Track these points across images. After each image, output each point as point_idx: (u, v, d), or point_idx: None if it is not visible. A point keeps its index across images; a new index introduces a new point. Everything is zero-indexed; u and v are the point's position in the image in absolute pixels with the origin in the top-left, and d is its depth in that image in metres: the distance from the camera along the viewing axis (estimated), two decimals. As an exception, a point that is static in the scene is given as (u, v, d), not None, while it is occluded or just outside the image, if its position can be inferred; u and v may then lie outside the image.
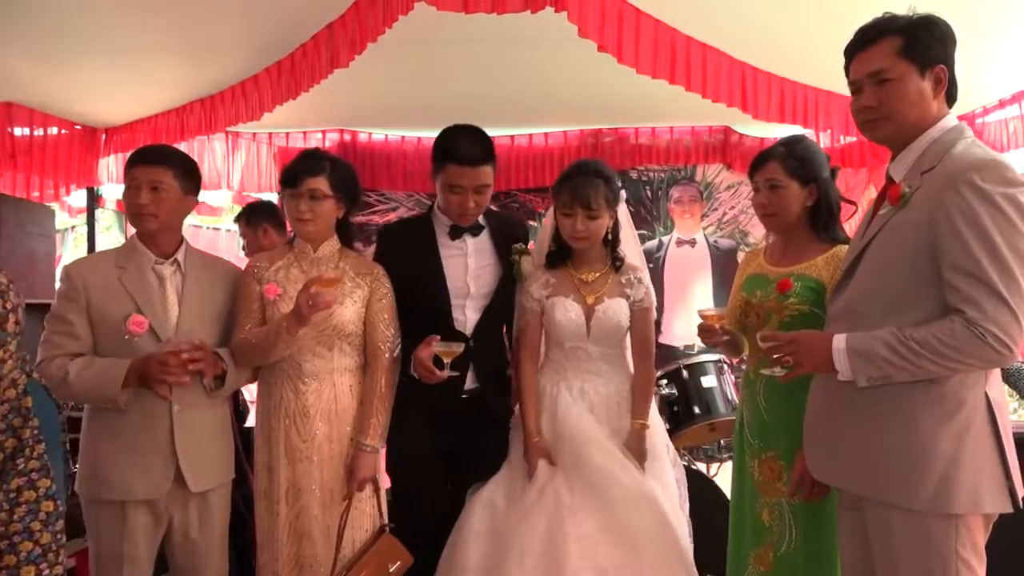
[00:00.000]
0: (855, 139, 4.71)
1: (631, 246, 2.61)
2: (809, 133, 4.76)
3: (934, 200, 1.65)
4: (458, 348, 2.34)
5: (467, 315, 2.51)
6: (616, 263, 2.52)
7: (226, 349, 2.29)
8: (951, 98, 1.77)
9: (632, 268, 2.53)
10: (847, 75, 1.85)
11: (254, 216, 3.85)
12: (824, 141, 4.90)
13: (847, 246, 2.28)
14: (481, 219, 2.56)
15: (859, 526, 1.84)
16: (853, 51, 1.81)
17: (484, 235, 2.56)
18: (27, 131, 4.24)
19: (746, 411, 2.39)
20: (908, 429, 1.69)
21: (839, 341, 1.71)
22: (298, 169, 2.39)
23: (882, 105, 1.75)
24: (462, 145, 2.41)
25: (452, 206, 2.46)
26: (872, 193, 4.97)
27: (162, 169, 2.22)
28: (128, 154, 2.35)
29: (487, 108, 4.71)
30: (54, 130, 4.38)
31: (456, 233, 2.52)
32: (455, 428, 2.49)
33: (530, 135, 5.30)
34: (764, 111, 3.63)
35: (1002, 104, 4.04)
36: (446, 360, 2.35)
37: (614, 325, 2.47)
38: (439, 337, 2.35)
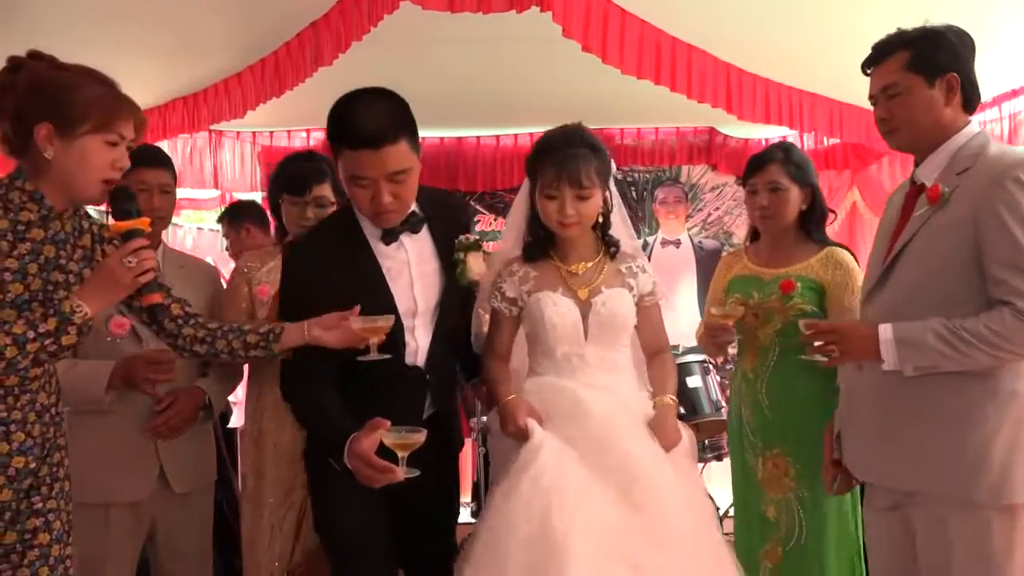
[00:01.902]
0: (839, 141, 4.74)
1: (623, 230, 2.09)
2: (794, 134, 4.81)
3: (977, 198, 1.71)
4: (417, 438, 1.68)
5: (418, 339, 1.91)
6: (611, 250, 2.03)
7: (206, 378, 2.28)
8: (969, 102, 1.83)
9: (630, 256, 2.06)
10: None
11: (237, 216, 3.83)
12: (808, 143, 4.94)
13: (840, 248, 2.39)
14: (415, 207, 1.90)
15: (898, 526, 1.85)
16: (869, 66, 1.90)
17: (424, 231, 1.93)
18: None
19: (745, 410, 2.42)
20: (964, 423, 1.71)
21: (886, 331, 1.74)
22: (305, 176, 2.35)
23: (893, 117, 1.85)
24: (358, 119, 1.72)
25: (362, 204, 1.79)
26: (856, 195, 5.02)
27: (166, 171, 2.27)
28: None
29: (472, 108, 4.72)
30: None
31: (390, 236, 1.86)
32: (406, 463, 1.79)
33: (515, 135, 5.29)
34: (749, 112, 3.65)
35: (982, 107, 4.09)
36: (400, 453, 1.68)
37: (618, 320, 1.97)
38: (388, 423, 1.68)
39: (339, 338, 1.74)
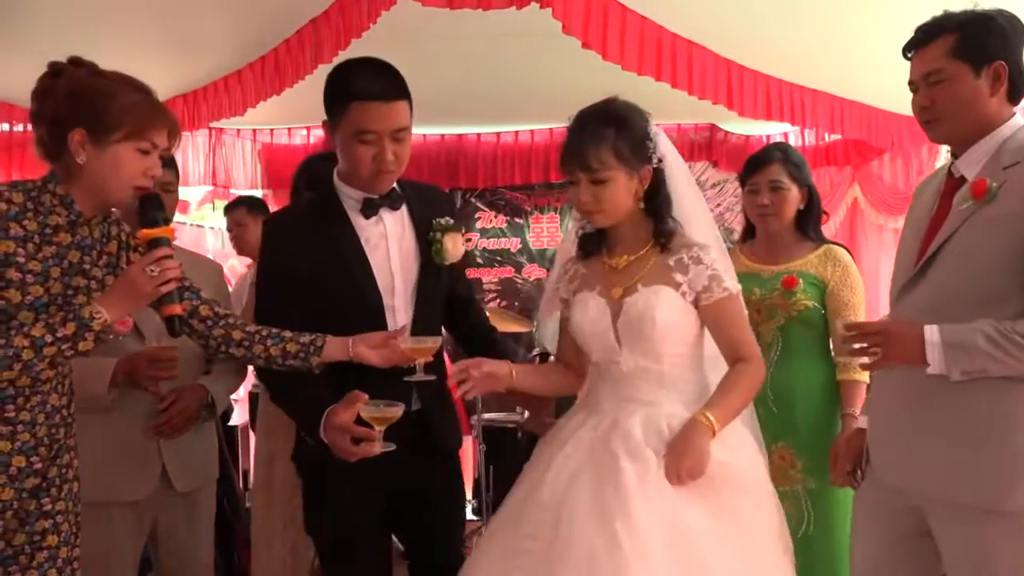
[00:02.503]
0: (840, 137, 4.73)
1: (693, 210, 1.81)
2: (795, 131, 4.81)
3: None
4: (395, 412, 1.68)
5: (397, 319, 1.86)
6: (662, 239, 1.76)
7: (209, 376, 2.28)
8: (1016, 92, 1.74)
9: (688, 244, 1.73)
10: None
11: (256, 208, 3.85)
12: (809, 139, 4.93)
13: (838, 246, 2.40)
14: (396, 187, 1.91)
15: (902, 521, 1.79)
16: (910, 50, 1.80)
17: (403, 210, 1.92)
18: (6, 127, 4.20)
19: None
20: (1003, 430, 1.64)
21: (932, 332, 1.63)
22: (323, 175, 2.41)
23: (935, 105, 1.74)
24: (368, 77, 1.77)
25: (364, 162, 1.78)
26: (857, 191, 5.01)
27: (168, 170, 2.26)
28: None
29: (473, 105, 4.71)
30: (34, 126, 4.33)
31: (371, 209, 1.85)
32: (393, 466, 1.76)
33: (516, 132, 5.30)
34: (750, 109, 3.65)
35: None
36: (377, 427, 1.68)
37: (647, 325, 1.70)
38: (366, 396, 1.68)
39: (385, 357, 1.72)
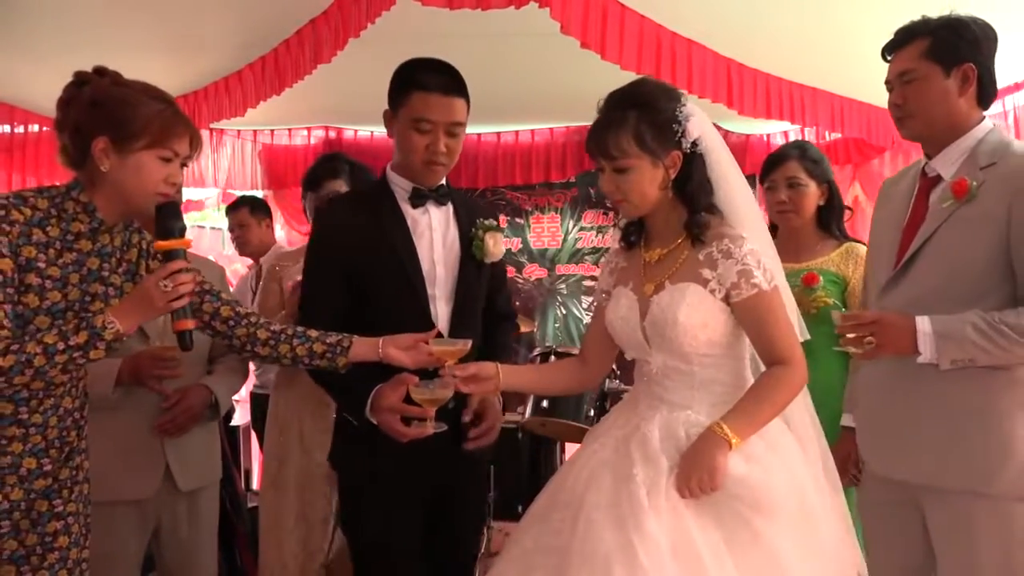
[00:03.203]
0: (840, 136, 4.72)
1: (737, 198, 1.66)
2: (795, 129, 4.80)
3: (1012, 194, 1.69)
4: (445, 393, 1.71)
5: (438, 308, 1.91)
6: (695, 229, 1.62)
7: (212, 376, 2.29)
8: (985, 96, 1.82)
9: (721, 236, 1.60)
10: None
11: (258, 209, 3.87)
12: (809, 138, 4.92)
13: (858, 244, 2.42)
14: (444, 184, 1.99)
15: (905, 520, 1.84)
16: (889, 52, 1.89)
17: (449, 207, 1.98)
18: (7, 128, 4.20)
19: None
20: (989, 416, 1.71)
21: (924, 323, 1.70)
22: (319, 173, 2.55)
23: (907, 103, 1.83)
24: (432, 72, 1.87)
25: (417, 150, 1.85)
26: (857, 189, 5.00)
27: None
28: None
29: (473, 105, 4.69)
30: (36, 127, 4.34)
31: (419, 199, 1.92)
32: (434, 463, 1.85)
33: (516, 132, 5.30)
34: (750, 107, 3.64)
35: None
36: (429, 410, 1.72)
37: (668, 325, 1.61)
38: (416, 378, 1.72)
39: (415, 359, 1.73)
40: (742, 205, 1.65)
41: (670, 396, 1.64)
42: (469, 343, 1.76)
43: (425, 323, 1.85)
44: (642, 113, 1.59)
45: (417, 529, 1.90)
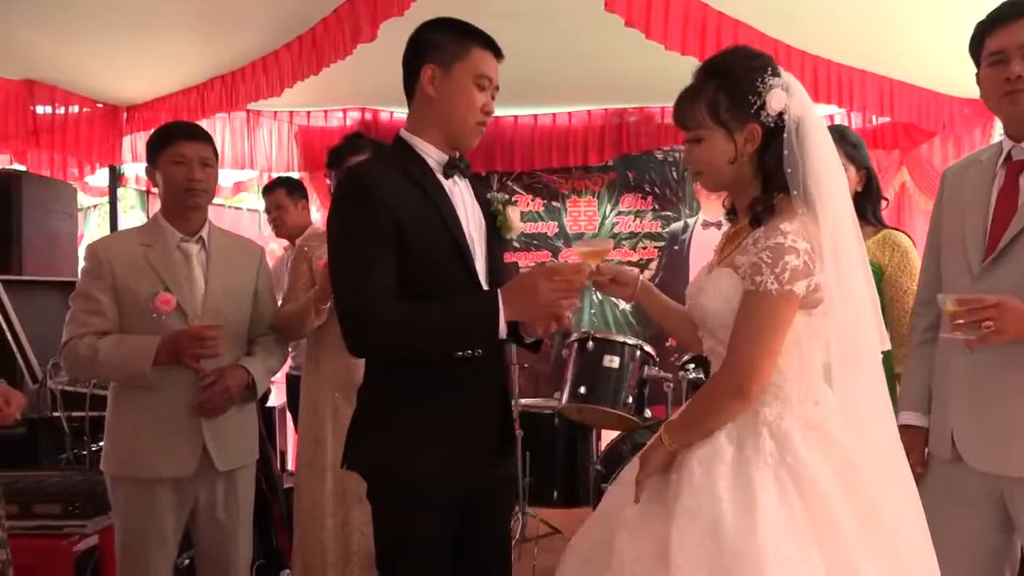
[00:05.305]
0: (888, 120, 4.60)
1: (824, 180, 1.52)
2: (841, 113, 4.68)
3: None
4: (606, 245, 1.77)
5: (482, 281, 1.78)
6: (757, 208, 1.52)
7: (250, 357, 2.28)
8: None
9: (776, 229, 1.47)
10: (979, 46, 1.82)
11: (295, 190, 3.88)
12: (856, 122, 4.81)
13: (897, 232, 2.34)
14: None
15: (990, 518, 1.79)
16: (1001, 21, 1.78)
17: (466, 181, 1.85)
18: (49, 109, 4.24)
19: None
20: None
21: None
22: (341, 149, 2.57)
23: None
24: (488, 36, 1.77)
25: (475, 108, 1.73)
26: (905, 175, 4.88)
27: (207, 146, 2.27)
28: (156, 131, 2.34)
29: (510, 86, 4.61)
30: (76, 108, 4.38)
31: (452, 169, 1.77)
32: (484, 455, 1.73)
33: (553, 115, 5.22)
34: (796, 90, 3.55)
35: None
36: (591, 263, 1.74)
37: (696, 309, 1.60)
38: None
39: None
40: (825, 189, 1.51)
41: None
42: (611, 242, 1.79)
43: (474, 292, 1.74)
44: (720, 83, 1.52)
45: (451, 532, 1.74)
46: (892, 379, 2.19)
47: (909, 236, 2.37)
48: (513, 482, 1.99)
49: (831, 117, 4.92)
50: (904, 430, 1.97)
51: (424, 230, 1.65)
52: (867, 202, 2.34)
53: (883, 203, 2.42)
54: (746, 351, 1.46)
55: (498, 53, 1.77)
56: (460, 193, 1.79)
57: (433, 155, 1.76)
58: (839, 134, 2.36)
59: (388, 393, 1.69)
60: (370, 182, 1.67)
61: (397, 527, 1.68)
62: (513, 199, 1.74)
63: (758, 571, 1.33)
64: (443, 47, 1.72)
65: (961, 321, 1.67)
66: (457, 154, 1.79)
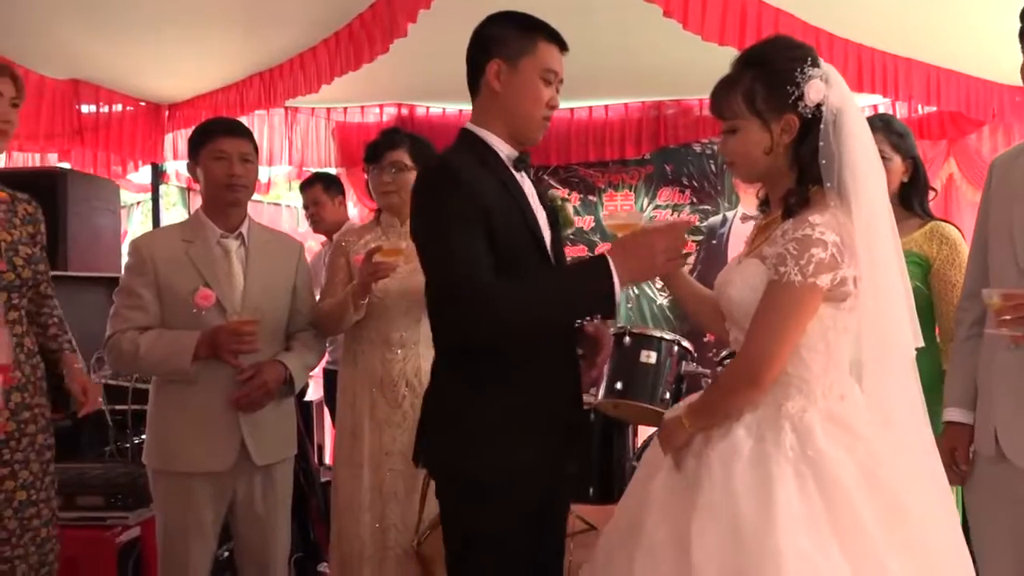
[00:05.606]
0: (935, 109, 4.48)
1: (856, 171, 1.49)
2: (886, 102, 4.57)
3: None
4: (636, 219, 1.77)
5: None
6: (791, 200, 1.51)
7: (288, 353, 2.30)
8: None
9: (804, 221, 1.46)
10: None
11: (332, 186, 3.91)
12: (902, 111, 4.69)
13: (945, 223, 2.26)
14: None
15: None
16: None
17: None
18: (93, 108, 4.33)
19: None
20: None
21: None
22: (379, 144, 2.56)
23: None
24: (553, 29, 1.74)
25: (542, 102, 1.72)
26: (953, 166, 4.75)
27: (248, 142, 2.29)
28: (197, 128, 2.36)
29: (547, 80, 4.62)
30: (119, 107, 4.45)
31: (520, 163, 1.77)
32: (556, 450, 1.75)
33: (590, 108, 5.17)
34: (839, 79, 3.47)
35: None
36: (620, 235, 1.78)
37: (723, 300, 1.60)
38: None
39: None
40: (861, 181, 1.48)
41: None
42: (641, 216, 1.74)
43: None
44: (758, 73, 1.51)
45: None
46: (941, 375, 2.13)
47: (958, 228, 2.28)
48: (575, 478, 1.94)
49: (875, 107, 4.81)
50: (948, 427, 1.92)
51: (507, 221, 1.66)
52: (914, 193, 2.28)
53: (931, 194, 2.35)
54: (763, 339, 1.46)
55: (563, 46, 1.74)
56: (528, 187, 1.79)
57: (504, 149, 1.75)
58: (884, 123, 2.29)
59: (459, 387, 1.70)
60: (462, 170, 1.67)
61: (472, 523, 1.68)
62: (564, 198, 1.70)
63: (778, 568, 1.32)
64: (508, 42, 1.70)
65: (1007, 317, 1.61)
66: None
